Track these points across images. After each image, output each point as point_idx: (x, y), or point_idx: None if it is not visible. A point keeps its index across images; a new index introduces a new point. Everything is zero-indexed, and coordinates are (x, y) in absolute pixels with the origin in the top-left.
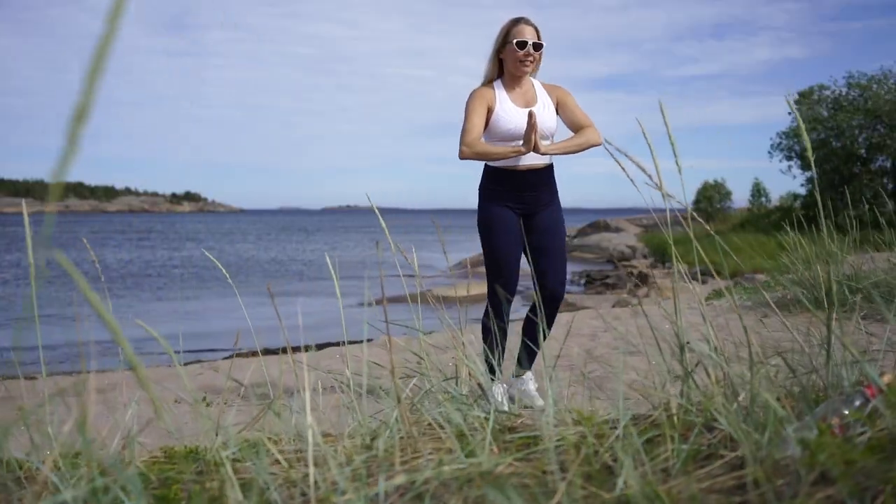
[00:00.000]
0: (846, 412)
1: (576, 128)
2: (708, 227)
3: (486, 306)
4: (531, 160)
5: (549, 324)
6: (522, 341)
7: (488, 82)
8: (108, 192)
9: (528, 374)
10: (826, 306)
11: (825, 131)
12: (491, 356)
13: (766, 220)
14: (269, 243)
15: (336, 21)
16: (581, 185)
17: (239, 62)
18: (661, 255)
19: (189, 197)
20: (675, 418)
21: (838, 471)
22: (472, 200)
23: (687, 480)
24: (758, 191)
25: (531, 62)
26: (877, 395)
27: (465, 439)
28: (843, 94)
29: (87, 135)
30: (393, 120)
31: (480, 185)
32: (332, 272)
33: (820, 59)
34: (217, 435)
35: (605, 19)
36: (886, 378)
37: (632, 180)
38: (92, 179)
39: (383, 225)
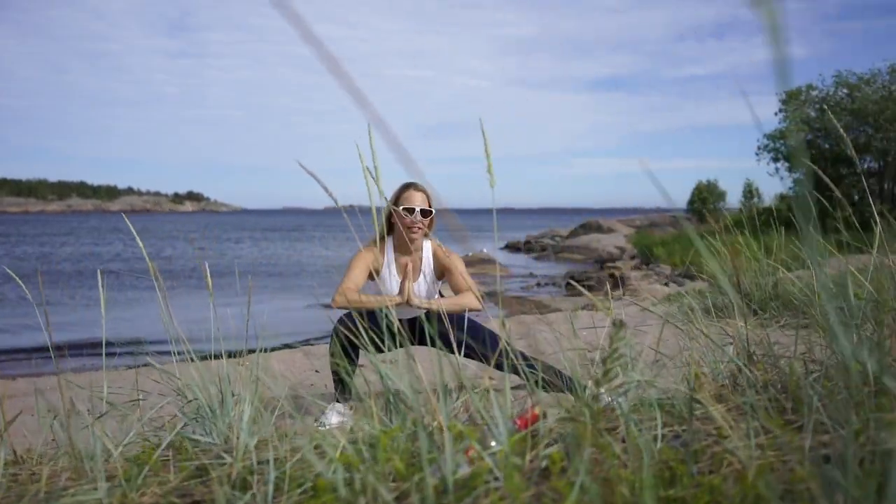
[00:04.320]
0: (493, 444)
1: (456, 292)
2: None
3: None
4: (410, 313)
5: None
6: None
7: (380, 239)
8: (111, 192)
9: None
10: (756, 312)
11: (812, 132)
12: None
13: (755, 221)
14: (260, 243)
15: (337, 21)
16: (581, 184)
17: (240, 62)
18: (647, 257)
19: (191, 196)
20: None
21: None
22: (472, 200)
23: None
24: (749, 191)
25: (419, 229)
26: (526, 426)
27: None
28: (831, 94)
29: (90, 135)
30: (394, 120)
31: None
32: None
33: (821, 59)
34: None
35: (606, 20)
36: (535, 412)
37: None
38: (94, 179)
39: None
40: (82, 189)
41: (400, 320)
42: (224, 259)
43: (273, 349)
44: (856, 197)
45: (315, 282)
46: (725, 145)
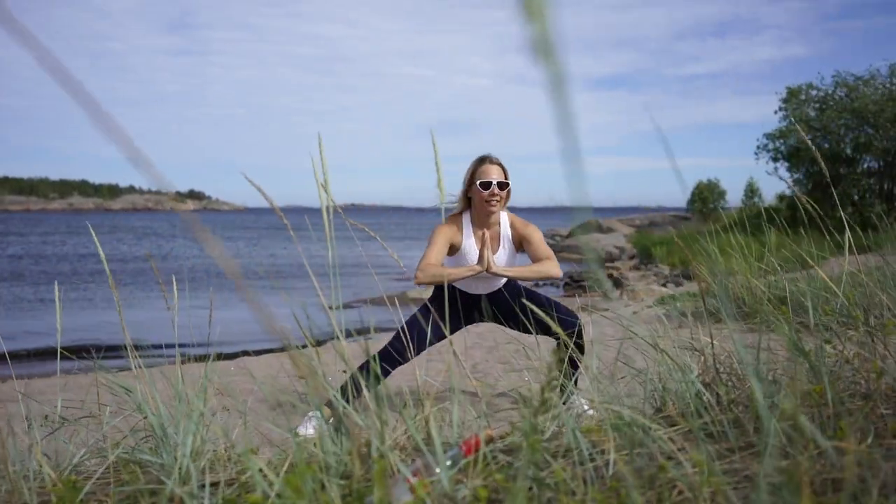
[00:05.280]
0: (438, 469)
1: (535, 261)
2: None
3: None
4: (487, 288)
5: (580, 351)
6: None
7: (458, 214)
8: (113, 191)
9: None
10: (745, 317)
11: (812, 132)
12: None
13: (756, 220)
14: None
15: (337, 21)
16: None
17: (241, 62)
18: (646, 256)
19: (193, 195)
20: None
21: None
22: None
23: None
24: (751, 190)
25: (497, 201)
26: (472, 453)
27: None
28: (830, 93)
29: (92, 134)
30: (395, 119)
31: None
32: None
33: (822, 58)
34: None
35: (607, 18)
36: (486, 434)
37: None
38: (96, 178)
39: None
40: (84, 188)
41: (478, 295)
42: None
43: (259, 352)
44: (856, 197)
45: (307, 283)
46: (726, 144)
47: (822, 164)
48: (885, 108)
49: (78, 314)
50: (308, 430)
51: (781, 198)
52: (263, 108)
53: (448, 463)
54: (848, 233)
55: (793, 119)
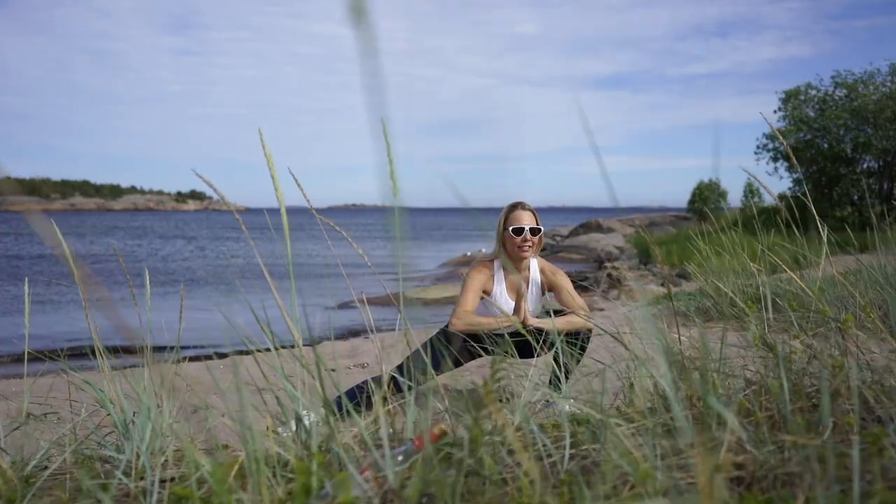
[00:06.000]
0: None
1: (567, 308)
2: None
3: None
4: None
5: (582, 353)
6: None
7: (490, 260)
8: (114, 191)
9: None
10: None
11: (812, 131)
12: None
13: (755, 220)
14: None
15: (339, 20)
16: (585, 183)
17: (243, 61)
18: (646, 256)
19: (194, 195)
20: None
21: None
22: (475, 199)
23: None
24: (751, 190)
25: (529, 247)
26: (423, 447)
27: None
28: (830, 93)
29: (94, 133)
30: (397, 119)
31: None
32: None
33: (824, 58)
34: None
35: (609, 18)
36: (437, 429)
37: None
38: (98, 178)
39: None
40: (85, 188)
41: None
42: (220, 258)
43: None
44: (855, 197)
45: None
46: (726, 144)
47: (794, 159)
48: (884, 107)
49: (75, 315)
50: (292, 425)
51: (781, 197)
52: (266, 108)
53: (400, 458)
54: (827, 232)
55: (792, 119)
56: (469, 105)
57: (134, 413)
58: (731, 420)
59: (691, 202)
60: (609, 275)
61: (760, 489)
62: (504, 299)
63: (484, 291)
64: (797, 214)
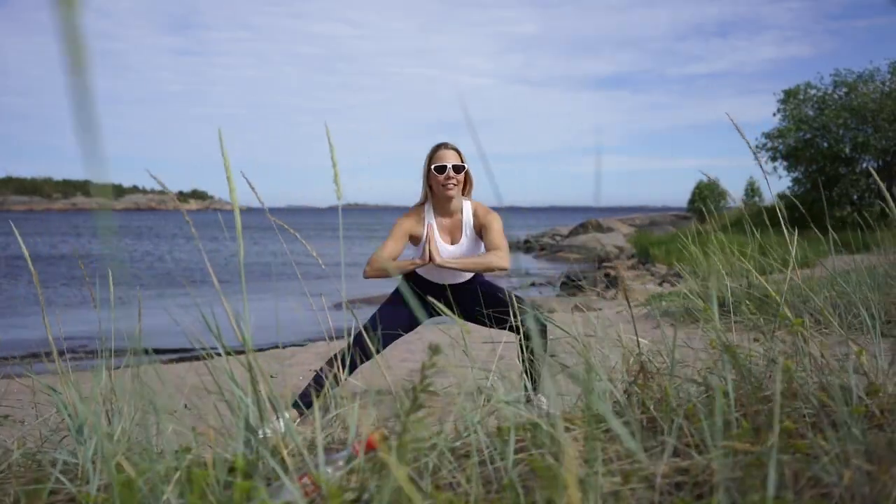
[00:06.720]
0: (329, 471)
1: (488, 250)
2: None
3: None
4: (450, 279)
5: (543, 349)
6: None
7: (420, 205)
8: (116, 190)
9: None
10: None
11: (811, 130)
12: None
13: (755, 219)
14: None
15: (341, 20)
16: (586, 183)
17: (243, 61)
18: (645, 256)
19: (196, 195)
20: None
21: None
22: (476, 198)
23: None
24: (752, 190)
25: (454, 185)
26: (362, 453)
27: None
28: (829, 93)
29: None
30: (397, 118)
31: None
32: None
33: (824, 58)
34: None
35: (609, 18)
36: (379, 434)
37: None
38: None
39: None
40: (87, 188)
41: (443, 286)
42: (218, 257)
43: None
44: (854, 196)
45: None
46: (726, 144)
47: (760, 165)
48: (884, 106)
49: (79, 315)
50: (267, 430)
51: (781, 197)
52: (267, 108)
53: (341, 463)
54: (829, 233)
55: (791, 118)
56: (468, 105)
57: (86, 418)
58: (618, 427)
59: (691, 201)
60: (607, 274)
61: (698, 495)
62: (437, 243)
63: (413, 237)
64: (784, 215)
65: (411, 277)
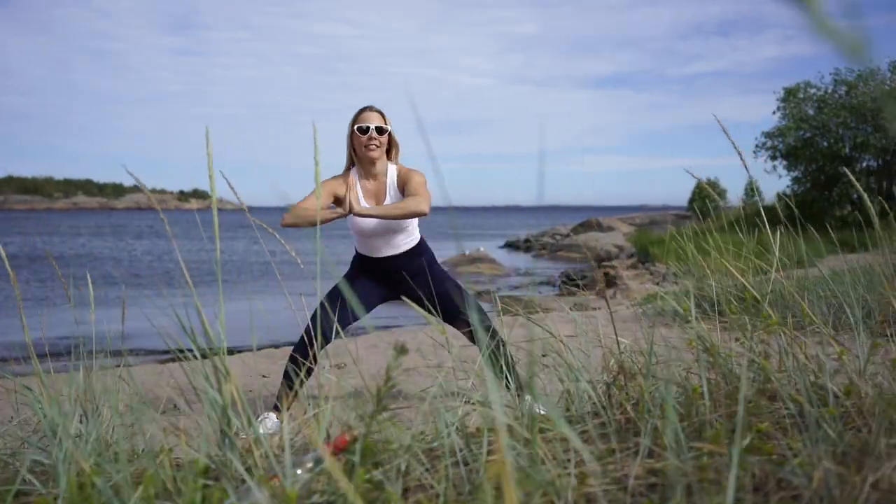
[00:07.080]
0: (299, 472)
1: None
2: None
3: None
4: (390, 250)
5: (498, 353)
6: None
7: (347, 169)
8: (117, 190)
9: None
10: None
11: (811, 130)
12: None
13: (755, 219)
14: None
15: (341, 21)
16: (587, 182)
17: (243, 61)
18: (645, 255)
19: (196, 194)
20: None
21: None
22: (473, 198)
23: None
24: (751, 189)
25: (376, 146)
26: (328, 455)
27: None
28: (829, 91)
29: (96, 132)
30: (397, 118)
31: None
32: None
33: (826, 57)
34: None
35: (610, 17)
36: (349, 435)
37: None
38: (100, 177)
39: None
40: (88, 187)
41: (390, 262)
42: (219, 255)
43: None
44: (854, 196)
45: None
46: (726, 143)
47: (745, 167)
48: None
49: (79, 315)
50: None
51: (781, 197)
52: (267, 108)
53: (309, 465)
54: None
55: (791, 117)
56: (468, 104)
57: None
58: (569, 433)
59: (691, 201)
60: (606, 273)
61: (671, 497)
62: (364, 204)
63: (337, 198)
64: (782, 215)
65: (359, 263)
